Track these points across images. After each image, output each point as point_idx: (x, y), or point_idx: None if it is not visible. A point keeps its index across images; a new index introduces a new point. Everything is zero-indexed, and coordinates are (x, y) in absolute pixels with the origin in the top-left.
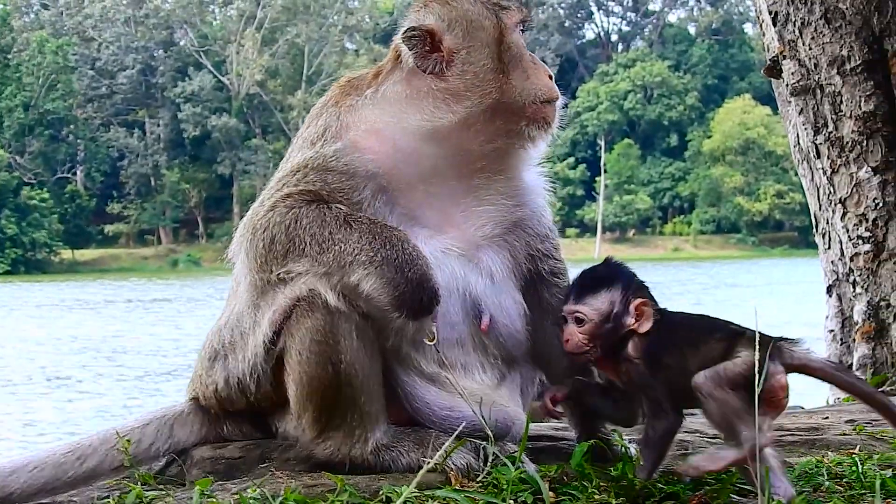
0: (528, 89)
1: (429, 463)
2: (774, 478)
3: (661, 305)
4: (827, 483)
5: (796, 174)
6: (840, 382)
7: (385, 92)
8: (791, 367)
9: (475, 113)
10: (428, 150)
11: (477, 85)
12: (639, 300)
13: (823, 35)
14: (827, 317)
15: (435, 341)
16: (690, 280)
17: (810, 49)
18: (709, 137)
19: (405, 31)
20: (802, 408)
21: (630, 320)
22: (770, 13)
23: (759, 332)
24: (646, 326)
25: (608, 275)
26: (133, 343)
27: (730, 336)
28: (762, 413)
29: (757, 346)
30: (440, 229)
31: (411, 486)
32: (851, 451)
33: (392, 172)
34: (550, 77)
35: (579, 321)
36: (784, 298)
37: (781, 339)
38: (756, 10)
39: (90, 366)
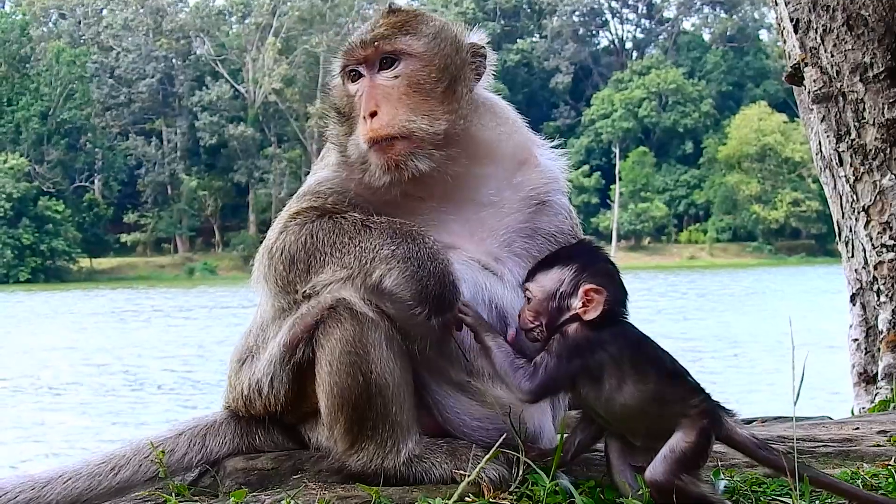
0: (356, 141)
1: (468, 476)
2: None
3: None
4: None
5: (814, 181)
6: (759, 458)
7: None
8: (719, 439)
9: None
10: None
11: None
12: (590, 285)
13: (846, 42)
14: (851, 326)
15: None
16: (707, 288)
17: (832, 56)
18: (724, 145)
19: None
20: (830, 418)
21: (577, 303)
22: (791, 20)
23: (710, 399)
24: (591, 315)
25: (568, 254)
26: (163, 352)
27: (686, 393)
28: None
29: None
30: (454, 244)
31: (453, 500)
32: (887, 462)
33: (379, 202)
34: (371, 115)
35: (529, 298)
36: (804, 307)
37: (722, 409)
38: (777, 18)
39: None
